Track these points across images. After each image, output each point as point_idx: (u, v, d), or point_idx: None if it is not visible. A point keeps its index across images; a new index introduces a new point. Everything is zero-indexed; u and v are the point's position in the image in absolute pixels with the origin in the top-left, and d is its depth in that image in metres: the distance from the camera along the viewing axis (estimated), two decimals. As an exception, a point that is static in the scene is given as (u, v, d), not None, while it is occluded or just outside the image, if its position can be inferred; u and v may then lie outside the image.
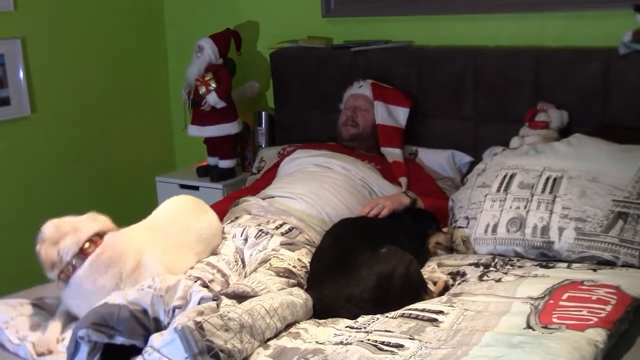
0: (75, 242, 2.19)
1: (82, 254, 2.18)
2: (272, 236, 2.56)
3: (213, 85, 3.67)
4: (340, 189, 2.89)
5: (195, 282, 2.18)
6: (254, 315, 2.01)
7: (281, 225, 2.64)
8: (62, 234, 2.20)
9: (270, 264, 2.37)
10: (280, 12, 3.95)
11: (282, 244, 2.50)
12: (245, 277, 2.40)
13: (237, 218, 2.76)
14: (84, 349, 1.92)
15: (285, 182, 2.95)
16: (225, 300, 2.10)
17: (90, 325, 1.91)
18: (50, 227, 2.22)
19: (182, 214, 2.55)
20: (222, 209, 2.89)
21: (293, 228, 2.64)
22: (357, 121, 3.33)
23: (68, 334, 2.08)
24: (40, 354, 2.08)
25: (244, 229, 2.62)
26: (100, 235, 2.25)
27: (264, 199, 2.88)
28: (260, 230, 2.60)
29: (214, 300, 2.05)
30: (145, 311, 1.99)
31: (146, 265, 2.23)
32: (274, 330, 2.06)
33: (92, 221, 2.29)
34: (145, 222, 2.52)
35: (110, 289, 2.14)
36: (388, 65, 3.50)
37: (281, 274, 2.32)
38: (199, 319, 1.89)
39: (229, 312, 1.97)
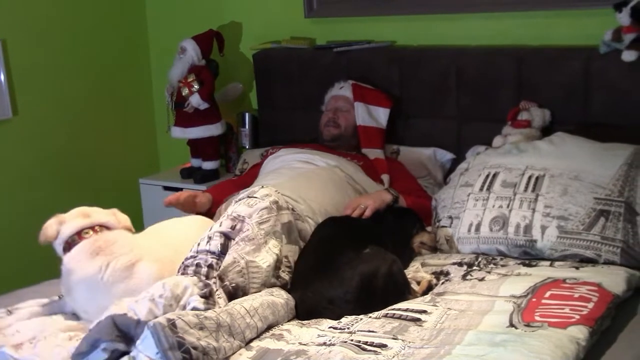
0: (77, 224, 2.31)
1: (78, 237, 2.29)
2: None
3: (196, 86, 3.67)
4: (326, 184, 2.87)
5: (203, 290, 2.13)
6: (234, 314, 2.02)
7: (292, 210, 2.59)
8: (74, 216, 2.35)
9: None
10: (263, 13, 3.95)
11: (288, 225, 2.48)
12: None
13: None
14: (101, 356, 1.92)
15: (270, 178, 2.93)
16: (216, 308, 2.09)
17: (115, 338, 1.92)
18: (72, 210, 2.38)
19: (196, 238, 2.47)
20: (219, 198, 2.98)
21: (300, 214, 2.60)
22: (339, 122, 3.33)
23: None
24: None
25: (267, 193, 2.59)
26: (108, 228, 2.36)
27: None
28: (277, 201, 2.53)
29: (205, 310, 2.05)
30: None
31: (139, 271, 2.25)
32: (254, 330, 2.06)
33: (106, 215, 2.41)
34: (161, 234, 2.55)
35: (92, 274, 2.21)
36: (371, 65, 3.50)
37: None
38: (173, 316, 1.90)
39: (206, 311, 1.98)
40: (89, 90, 4.06)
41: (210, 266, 2.24)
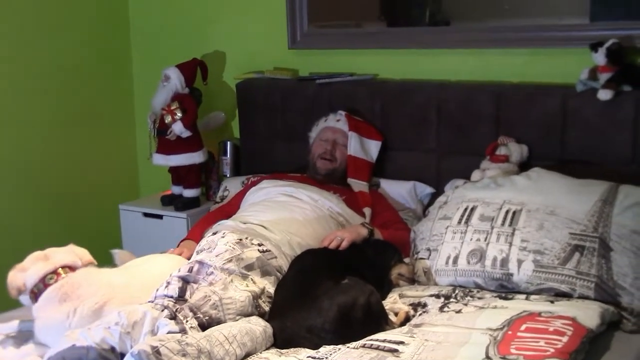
0: (38, 271, 2.26)
1: (43, 284, 2.25)
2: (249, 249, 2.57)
3: (179, 114, 3.68)
4: (309, 218, 2.89)
5: (162, 310, 2.17)
6: (212, 341, 2.03)
7: (260, 245, 2.62)
8: (33, 261, 2.29)
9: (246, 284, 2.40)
10: (247, 43, 3.98)
11: (258, 261, 2.51)
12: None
13: (215, 233, 2.74)
14: None
15: (255, 211, 2.94)
16: (191, 332, 2.10)
17: None
18: (30, 256, 2.32)
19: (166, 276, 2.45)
20: (198, 235, 2.93)
21: (270, 251, 2.62)
22: (336, 156, 3.33)
23: None
24: None
25: (223, 234, 2.64)
26: (72, 268, 2.31)
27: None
28: (240, 239, 2.60)
29: (180, 332, 2.06)
30: (113, 349, 2.01)
31: (108, 313, 2.20)
32: (233, 357, 2.07)
33: (67, 253, 2.35)
34: (128, 268, 2.53)
35: (60, 321, 2.19)
36: (353, 97, 3.52)
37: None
38: (155, 343, 1.91)
39: (187, 337, 1.99)
40: (70, 114, 4.06)
41: (167, 307, 2.22)
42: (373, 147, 3.38)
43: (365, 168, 3.33)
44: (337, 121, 3.41)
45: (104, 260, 2.71)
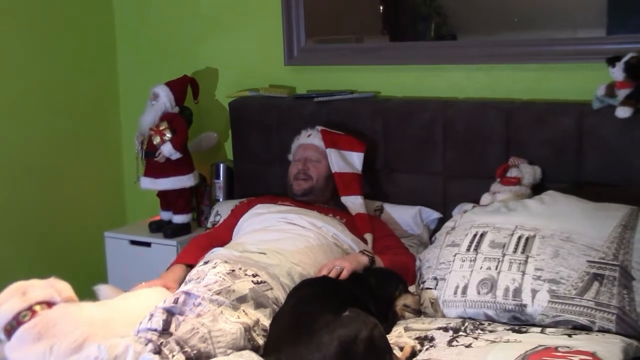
0: (12, 308, 2.24)
1: (17, 322, 2.23)
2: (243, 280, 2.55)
3: (168, 135, 3.67)
4: (312, 247, 2.88)
5: (146, 344, 2.14)
6: None
7: (254, 276, 2.60)
8: (8, 297, 2.28)
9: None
10: (240, 59, 3.97)
11: (251, 293, 2.48)
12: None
13: (206, 262, 2.72)
14: None
15: (253, 238, 2.93)
16: None
17: None
18: (7, 289, 2.31)
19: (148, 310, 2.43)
20: (193, 257, 2.93)
21: (265, 282, 2.60)
22: (310, 173, 3.32)
23: None
24: None
25: (215, 263, 2.61)
26: (49, 304, 2.29)
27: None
28: (233, 270, 2.58)
29: None
30: None
31: None
32: None
33: (45, 288, 2.34)
34: (110, 302, 2.51)
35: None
36: (353, 116, 3.52)
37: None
38: None
39: None
40: (52, 136, 4.04)
41: (151, 341, 2.19)
42: (356, 159, 3.37)
43: (354, 180, 3.32)
44: (307, 137, 3.42)
45: (88, 292, 2.68)
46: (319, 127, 3.42)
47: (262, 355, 2.29)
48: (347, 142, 3.39)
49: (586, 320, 2.42)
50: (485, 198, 3.07)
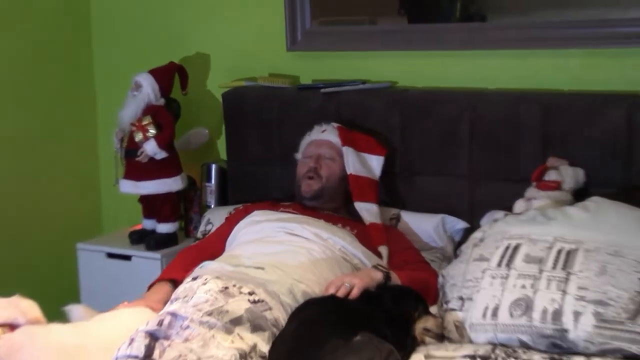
0: None
1: None
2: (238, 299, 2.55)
3: (152, 131, 3.68)
4: (317, 262, 2.88)
5: None
6: None
7: (251, 294, 2.60)
8: None
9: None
10: (236, 44, 3.99)
11: (247, 313, 2.48)
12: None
13: (195, 278, 2.73)
14: None
15: (250, 251, 2.93)
16: None
17: None
18: None
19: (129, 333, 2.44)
20: (181, 273, 2.92)
21: (263, 301, 2.60)
22: (320, 173, 3.32)
23: None
24: None
25: (205, 280, 2.62)
26: (12, 326, 2.31)
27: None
28: (226, 287, 2.57)
29: None
30: None
31: None
32: None
33: (7, 308, 2.35)
34: (83, 325, 2.51)
35: None
36: (366, 110, 3.53)
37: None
38: None
39: None
40: (21, 132, 4.04)
41: None
42: (375, 163, 3.38)
43: (370, 187, 3.33)
44: (322, 132, 3.43)
45: (57, 313, 2.67)
46: (335, 124, 3.43)
47: (260, 385, 2.30)
48: (366, 143, 3.40)
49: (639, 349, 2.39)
50: (519, 205, 3.06)
